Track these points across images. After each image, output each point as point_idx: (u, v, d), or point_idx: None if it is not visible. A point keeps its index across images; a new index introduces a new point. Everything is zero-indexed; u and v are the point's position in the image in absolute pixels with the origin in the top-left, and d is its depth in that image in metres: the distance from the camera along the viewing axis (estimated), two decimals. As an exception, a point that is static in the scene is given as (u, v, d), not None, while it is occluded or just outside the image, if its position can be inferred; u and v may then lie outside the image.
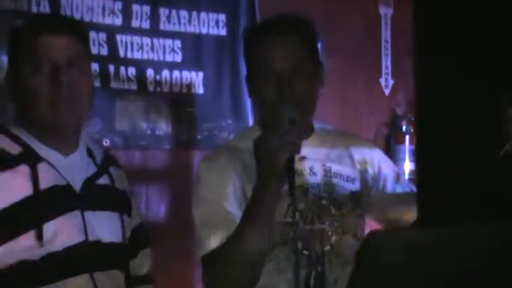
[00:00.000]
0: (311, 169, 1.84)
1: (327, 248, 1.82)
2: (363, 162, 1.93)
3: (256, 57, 1.83)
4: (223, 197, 1.79)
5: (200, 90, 3.05)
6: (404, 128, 3.41)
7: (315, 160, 1.86)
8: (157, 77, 2.97)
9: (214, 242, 1.75)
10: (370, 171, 1.94)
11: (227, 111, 3.11)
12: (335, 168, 1.88)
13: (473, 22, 1.59)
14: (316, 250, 1.80)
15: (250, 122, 3.11)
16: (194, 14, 3.05)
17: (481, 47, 1.55)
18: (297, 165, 1.76)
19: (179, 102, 3.01)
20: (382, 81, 3.47)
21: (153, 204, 2.95)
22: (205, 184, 1.83)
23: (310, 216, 1.81)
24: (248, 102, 3.12)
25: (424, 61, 1.66)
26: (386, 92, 3.48)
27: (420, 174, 1.68)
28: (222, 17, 3.11)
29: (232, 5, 3.13)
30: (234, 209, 1.78)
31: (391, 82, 3.48)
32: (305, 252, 1.80)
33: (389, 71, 3.47)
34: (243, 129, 1.99)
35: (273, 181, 1.67)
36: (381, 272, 1.17)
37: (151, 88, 2.95)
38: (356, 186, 1.89)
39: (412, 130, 3.39)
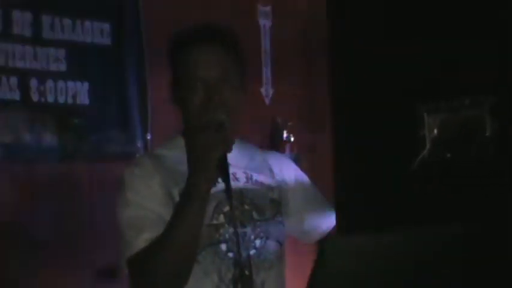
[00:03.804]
0: (234, 174, 1.85)
1: (252, 252, 1.84)
2: (280, 175, 1.98)
3: (183, 65, 1.83)
4: (149, 199, 1.78)
5: (86, 100, 2.97)
6: (285, 136, 3.49)
7: (237, 167, 1.87)
8: (42, 87, 2.87)
9: (142, 242, 1.72)
10: (288, 183, 1.98)
11: (114, 121, 3.05)
12: (255, 176, 1.91)
13: (390, 32, 1.67)
14: (241, 253, 1.81)
15: (138, 133, 3.07)
16: (78, 22, 2.97)
17: (397, 58, 1.64)
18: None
19: (65, 113, 2.92)
20: (263, 90, 3.54)
21: (38, 219, 2.83)
22: (131, 187, 1.80)
23: (234, 220, 1.81)
24: (135, 112, 3.08)
25: (341, 68, 1.73)
26: (267, 101, 3.55)
27: (338, 184, 1.74)
28: (107, 26, 3.05)
29: (116, 14, 3.08)
30: (161, 211, 1.76)
31: (271, 91, 3.55)
32: (230, 254, 1.81)
33: (269, 80, 3.55)
34: (167, 139, 1.97)
35: (206, 179, 1.65)
36: (336, 279, 1.21)
37: (35, 98, 2.85)
38: (275, 194, 1.93)
39: (292, 139, 3.48)
